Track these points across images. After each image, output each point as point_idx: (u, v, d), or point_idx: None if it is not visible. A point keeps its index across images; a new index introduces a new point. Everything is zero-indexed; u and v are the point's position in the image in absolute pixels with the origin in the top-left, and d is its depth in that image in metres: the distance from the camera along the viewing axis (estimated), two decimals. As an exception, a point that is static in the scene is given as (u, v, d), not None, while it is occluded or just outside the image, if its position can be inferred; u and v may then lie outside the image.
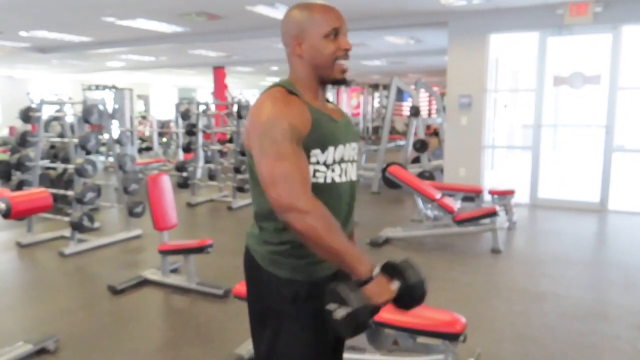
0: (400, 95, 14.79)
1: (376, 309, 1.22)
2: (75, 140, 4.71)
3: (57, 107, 5.77)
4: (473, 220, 4.93)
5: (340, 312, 1.19)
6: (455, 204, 5.11)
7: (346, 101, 18.20)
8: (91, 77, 17.60)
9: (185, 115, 7.39)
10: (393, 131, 17.34)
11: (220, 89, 14.18)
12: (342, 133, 1.43)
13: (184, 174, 7.25)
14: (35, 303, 3.70)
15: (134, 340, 3.06)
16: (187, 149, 7.28)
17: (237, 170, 6.84)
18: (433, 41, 9.47)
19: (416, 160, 8.36)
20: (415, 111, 7.75)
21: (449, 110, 7.24)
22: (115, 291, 3.75)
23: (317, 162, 1.36)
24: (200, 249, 3.71)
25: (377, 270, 1.25)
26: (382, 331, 2.48)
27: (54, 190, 5.49)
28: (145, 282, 3.97)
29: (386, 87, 16.33)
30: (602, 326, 3.16)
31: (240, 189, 6.82)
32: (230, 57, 12.69)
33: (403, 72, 17.62)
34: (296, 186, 1.26)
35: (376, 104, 20.43)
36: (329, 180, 1.39)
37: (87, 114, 4.54)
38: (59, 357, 2.82)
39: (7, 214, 2.47)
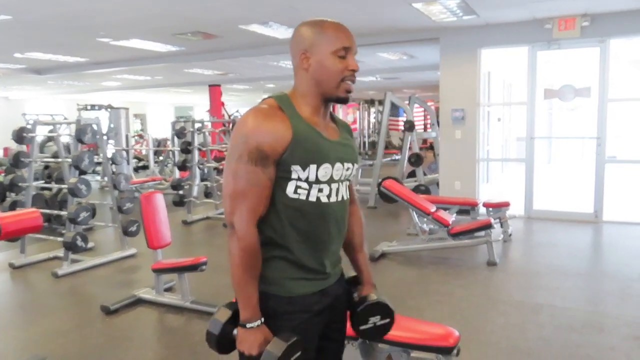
0: (396, 110, 14.88)
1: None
2: (69, 160, 4.71)
3: (51, 127, 5.78)
4: (468, 233, 4.93)
5: None
6: (450, 218, 5.12)
7: (342, 117, 18.28)
8: (87, 97, 17.67)
9: (180, 133, 7.42)
10: (389, 146, 17.48)
11: (216, 106, 14.25)
12: (332, 152, 1.40)
13: (180, 192, 7.24)
14: (27, 325, 3.67)
15: (127, 361, 3.03)
16: (183, 167, 7.29)
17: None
18: (425, 57, 9.57)
19: (412, 174, 8.38)
20: (409, 126, 7.79)
21: (442, 125, 7.29)
22: (108, 311, 3.72)
23: (299, 179, 1.35)
24: (194, 267, 3.69)
25: (258, 322, 1.37)
26: (376, 346, 2.46)
27: (48, 211, 5.50)
28: (139, 302, 3.94)
29: (382, 102, 16.51)
30: (598, 338, 3.15)
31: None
32: (226, 75, 12.79)
33: (398, 87, 17.77)
34: (242, 209, 1.33)
35: (372, 119, 20.59)
36: (312, 199, 1.38)
37: (81, 133, 4.56)
38: (50, 379, 2.79)
39: (-3, 235, 2.46)
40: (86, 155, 4.58)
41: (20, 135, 5.00)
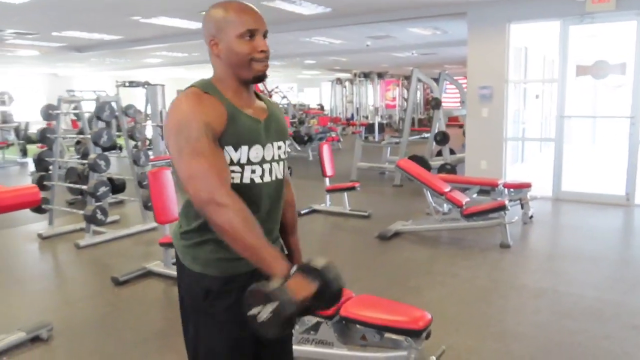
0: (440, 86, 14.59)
1: (300, 306, 1.23)
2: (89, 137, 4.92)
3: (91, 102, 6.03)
4: (481, 214, 4.83)
5: (265, 311, 1.22)
6: (464, 198, 5.01)
7: (381, 93, 18.03)
8: (130, 73, 18.17)
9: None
10: (422, 123, 17.14)
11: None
12: (262, 133, 1.42)
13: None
14: (43, 292, 3.91)
15: (125, 330, 3.19)
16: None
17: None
18: (458, 32, 9.25)
19: (441, 153, 8.23)
20: (435, 103, 7.61)
21: (469, 102, 7.08)
22: (117, 282, 3.90)
23: (231, 162, 1.36)
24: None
25: (294, 269, 1.27)
26: (351, 326, 2.49)
27: (77, 186, 5.78)
28: (148, 274, 4.11)
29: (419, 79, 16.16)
30: (594, 325, 3.04)
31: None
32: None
33: (437, 63, 17.26)
34: (213, 180, 1.28)
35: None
36: (246, 181, 1.39)
37: (100, 111, 4.72)
38: (51, 345, 2.97)
39: (-6, 208, 2.62)
40: (104, 132, 4.76)
41: (47, 112, 5.23)
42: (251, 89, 1.48)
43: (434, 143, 7.91)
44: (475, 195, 5.87)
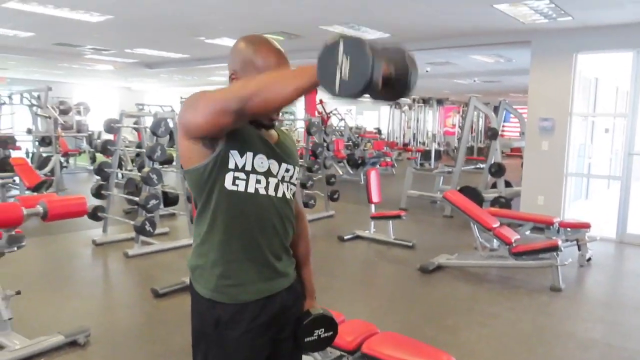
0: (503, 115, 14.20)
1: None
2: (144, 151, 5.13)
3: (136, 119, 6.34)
4: (531, 253, 4.58)
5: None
6: (514, 235, 4.78)
7: (440, 119, 17.75)
8: (197, 89, 18.89)
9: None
10: (481, 152, 16.66)
11: (310, 104, 14.56)
12: (269, 149, 1.42)
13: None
14: (87, 297, 4.08)
15: (157, 343, 3.25)
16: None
17: (303, 186, 6.97)
18: (523, 60, 8.97)
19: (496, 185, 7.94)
20: (492, 133, 7.38)
21: (528, 134, 6.81)
22: (157, 294, 4.00)
23: (236, 167, 1.36)
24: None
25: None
26: (373, 363, 2.40)
27: (131, 197, 6.03)
28: (187, 288, 4.19)
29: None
30: (646, 388, 2.78)
31: (306, 205, 6.93)
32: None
33: (502, 91, 16.83)
34: (227, 89, 1.23)
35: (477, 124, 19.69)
36: (250, 190, 1.38)
37: (155, 126, 4.93)
38: (87, 350, 3.08)
39: (44, 217, 2.77)
40: (158, 147, 4.94)
41: (109, 125, 5.52)
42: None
43: (489, 175, 7.65)
44: (528, 233, 5.60)
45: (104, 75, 14.49)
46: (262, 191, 1.41)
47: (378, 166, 12.89)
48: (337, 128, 15.72)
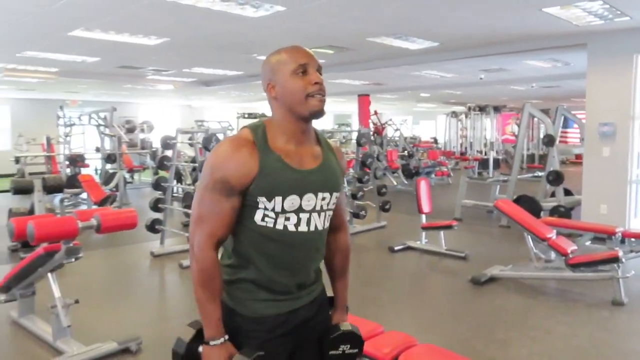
0: (566, 121, 13.61)
1: None
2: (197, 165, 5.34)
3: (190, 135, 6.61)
4: (590, 265, 4.35)
5: None
6: (570, 245, 4.55)
7: (498, 127, 17.20)
8: (254, 105, 19.43)
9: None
10: (542, 160, 15.96)
11: (364, 115, 14.60)
12: (301, 183, 1.41)
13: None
14: (142, 307, 4.27)
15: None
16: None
17: (354, 197, 6.99)
18: (581, 64, 8.58)
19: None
20: (549, 140, 7.09)
21: (588, 140, 6.49)
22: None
23: (266, 208, 1.39)
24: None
25: (222, 340, 1.41)
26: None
27: (188, 210, 6.27)
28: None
29: (545, 112, 15.20)
30: None
31: (356, 215, 6.94)
32: (373, 85, 13.04)
33: (563, 96, 16.17)
34: (201, 233, 1.39)
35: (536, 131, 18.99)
36: (279, 227, 1.41)
37: (206, 142, 5.13)
38: (138, 357, 3.23)
39: (98, 229, 2.95)
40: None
41: (165, 142, 5.80)
42: (310, 131, 1.48)
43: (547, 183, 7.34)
44: (588, 243, 5.33)
45: (165, 94, 15.21)
46: (291, 228, 1.43)
47: (433, 176, 12.69)
48: (392, 138, 15.62)
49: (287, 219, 1.41)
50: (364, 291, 4.66)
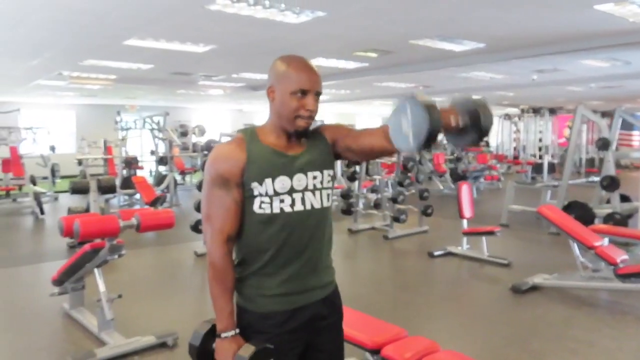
0: (630, 123, 12.95)
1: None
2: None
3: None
4: (640, 275, 4.13)
5: None
6: (620, 254, 4.34)
7: (554, 129, 16.52)
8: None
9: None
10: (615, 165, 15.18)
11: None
12: (289, 165, 1.52)
13: (349, 201, 7.61)
14: (182, 304, 4.45)
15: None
16: (352, 177, 7.67)
17: (394, 200, 6.95)
18: (642, 62, 8.17)
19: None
20: (603, 143, 6.78)
21: (645, 143, 6.16)
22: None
23: (260, 194, 1.49)
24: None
25: (232, 333, 1.51)
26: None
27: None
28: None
29: (606, 114, 14.47)
30: None
31: (396, 219, 6.90)
32: (419, 88, 12.88)
33: (628, 97, 15.36)
34: (210, 230, 1.52)
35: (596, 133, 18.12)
36: (276, 210, 1.50)
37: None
38: (173, 351, 3.37)
39: (138, 228, 3.11)
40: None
41: (209, 146, 6.00)
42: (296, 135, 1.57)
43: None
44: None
45: (216, 99, 15.65)
46: (287, 209, 1.50)
47: (482, 180, 12.38)
48: (440, 141, 15.34)
49: (282, 201, 1.50)
50: (398, 295, 4.64)
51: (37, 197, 7.98)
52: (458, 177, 11.51)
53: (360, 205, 7.73)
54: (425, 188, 7.40)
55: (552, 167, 13.89)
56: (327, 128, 1.66)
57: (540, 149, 15.00)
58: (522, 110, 14.82)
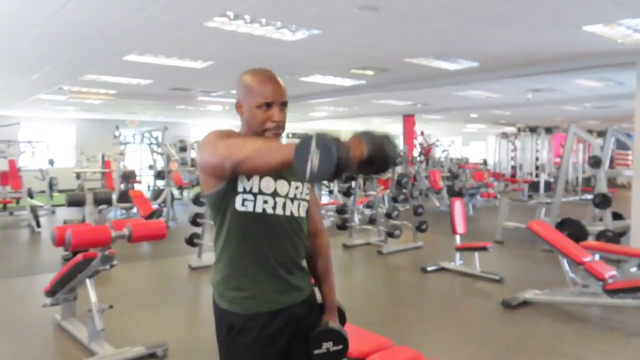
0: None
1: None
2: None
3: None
4: (629, 291, 4.15)
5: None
6: (608, 270, 4.37)
7: (550, 148, 16.64)
8: (302, 125, 19.80)
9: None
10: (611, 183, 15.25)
11: (409, 136, 14.56)
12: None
13: (344, 216, 7.66)
14: (175, 315, 4.45)
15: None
16: (347, 193, 7.73)
17: (388, 216, 6.99)
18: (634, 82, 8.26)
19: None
20: (594, 162, 6.85)
21: (636, 162, 6.23)
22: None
23: (244, 190, 1.53)
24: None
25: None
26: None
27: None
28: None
29: (600, 134, 14.57)
30: None
31: (390, 235, 6.93)
32: (416, 106, 13.02)
33: (623, 116, 15.54)
34: (230, 142, 1.44)
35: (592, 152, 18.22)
36: (258, 210, 1.53)
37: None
38: (161, 362, 3.39)
39: (129, 238, 3.15)
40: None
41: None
42: None
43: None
44: (634, 270, 5.09)
45: (215, 114, 15.78)
46: (269, 210, 1.55)
47: (479, 197, 12.44)
48: (438, 159, 15.44)
49: (265, 201, 1.54)
50: (390, 309, 4.66)
51: (33, 210, 8.03)
52: (454, 194, 11.56)
53: (357, 221, 7.77)
54: (420, 204, 7.45)
55: (548, 186, 13.96)
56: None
57: (537, 168, 15.10)
58: (519, 129, 14.94)
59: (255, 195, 1.53)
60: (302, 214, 1.63)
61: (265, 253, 1.56)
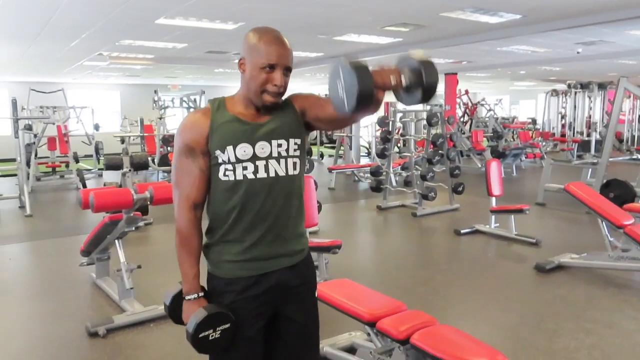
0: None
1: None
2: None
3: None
4: (672, 256, 3.93)
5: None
6: (651, 235, 4.13)
7: (601, 106, 15.66)
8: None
9: (381, 122, 7.70)
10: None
11: (451, 95, 14.07)
12: (252, 133, 1.53)
13: (380, 178, 7.55)
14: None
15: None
16: (382, 155, 7.59)
17: (423, 178, 6.85)
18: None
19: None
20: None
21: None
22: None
23: (224, 162, 1.53)
24: (327, 249, 3.97)
25: (195, 296, 1.59)
26: (422, 356, 2.34)
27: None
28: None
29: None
30: None
31: (424, 197, 6.80)
32: (460, 64, 12.50)
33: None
34: (177, 196, 1.59)
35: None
36: (239, 177, 1.53)
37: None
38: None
39: (151, 201, 3.22)
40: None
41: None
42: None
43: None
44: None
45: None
46: (250, 176, 1.53)
47: (524, 158, 12.00)
48: (482, 119, 14.94)
49: (245, 168, 1.52)
50: (418, 272, 4.60)
51: (79, 173, 8.35)
52: (498, 154, 11.19)
53: (394, 183, 7.66)
54: (457, 165, 7.24)
55: (600, 145, 13.27)
56: (296, 97, 1.64)
57: (589, 127, 14.33)
58: (569, 86, 14.13)
59: (233, 164, 1.52)
60: (292, 171, 1.58)
61: (249, 219, 1.55)
